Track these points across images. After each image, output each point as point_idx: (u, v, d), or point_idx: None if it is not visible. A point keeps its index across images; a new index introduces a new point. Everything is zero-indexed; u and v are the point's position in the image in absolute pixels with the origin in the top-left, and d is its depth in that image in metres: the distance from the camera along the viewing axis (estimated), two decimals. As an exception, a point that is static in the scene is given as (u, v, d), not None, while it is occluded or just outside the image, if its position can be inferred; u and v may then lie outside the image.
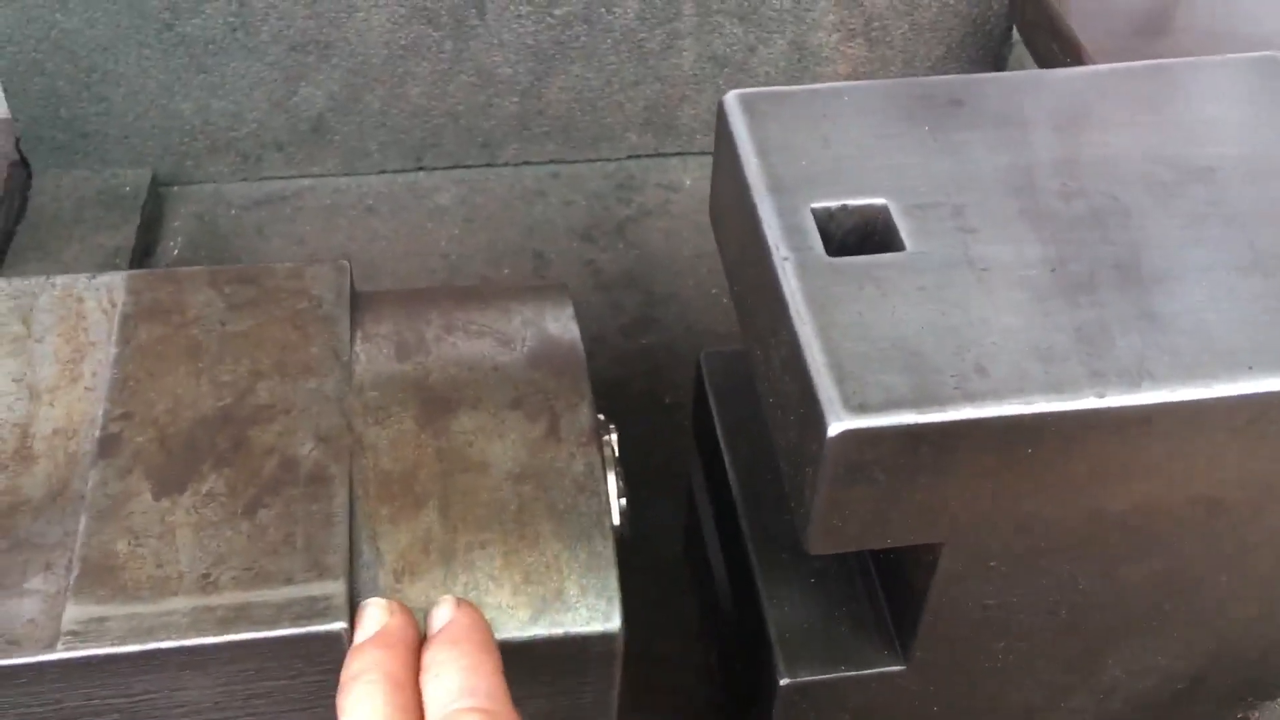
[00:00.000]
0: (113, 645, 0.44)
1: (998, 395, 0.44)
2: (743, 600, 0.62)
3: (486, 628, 0.45)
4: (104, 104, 0.95)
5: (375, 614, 0.45)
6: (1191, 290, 0.48)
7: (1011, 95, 0.57)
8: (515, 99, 1.00)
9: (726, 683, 0.69)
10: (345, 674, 0.43)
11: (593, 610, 0.48)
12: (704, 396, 0.67)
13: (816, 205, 0.51)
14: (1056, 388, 0.44)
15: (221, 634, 0.45)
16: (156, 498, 0.48)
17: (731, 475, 0.63)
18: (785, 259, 0.48)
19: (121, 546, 0.47)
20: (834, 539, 0.48)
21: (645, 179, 1.04)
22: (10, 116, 0.96)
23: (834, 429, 0.43)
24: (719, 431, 0.65)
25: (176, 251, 0.96)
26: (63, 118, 0.96)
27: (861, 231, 0.51)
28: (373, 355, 0.55)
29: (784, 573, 0.59)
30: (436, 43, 0.96)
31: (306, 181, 1.02)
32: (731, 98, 0.55)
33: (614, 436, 0.54)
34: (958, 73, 1.04)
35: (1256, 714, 0.65)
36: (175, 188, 1.01)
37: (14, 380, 0.53)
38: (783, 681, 0.56)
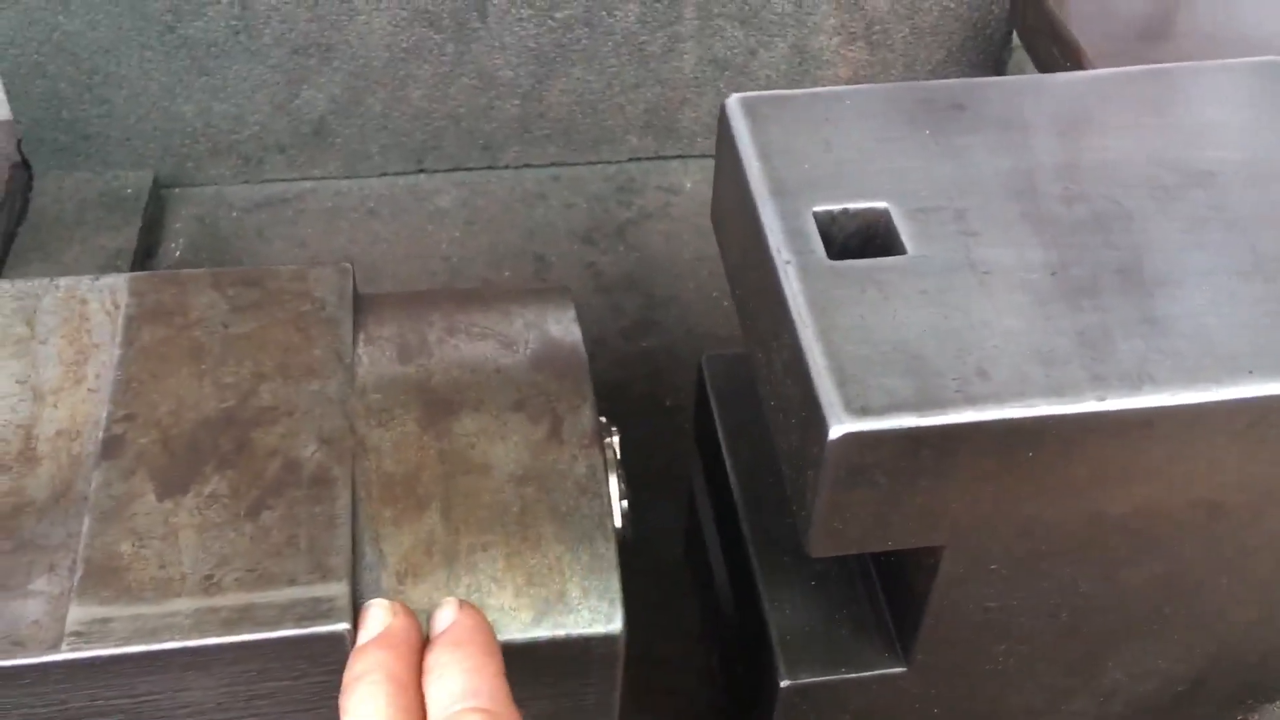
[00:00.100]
0: (117, 646, 0.44)
1: (999, 398, 0.44)
2: (744, 602, 0.62)
3: (489, 630, 0.45)
4: (106, 106, 0.95)
5: (378, 615, 0.45)
6: (1193, 294, 0.48)
7: (1013, 99, 0.57)
8: (516, 102, 1.00)
9: (727, 685, 0.69)
10: (348, 675, 0.43)
11: (595, 612, 0.48)
12: (705, 399, 0.67)
13: (818, 209, 0.51)
14: (1058, 391, 0.44)
15: (225, 635, 0.45)
16: (160, 499, 0.48)
17: (733, 478, 0.63)
18: (787, 262, 0.49)
19: (125, 548, 0.47)
20: (835, 541, 0.48)
21: (646, 182, 1.04)
22: (12, 118, 0.96)
23: (835, 432, 0.43)
24: (720, 434, 0.65)
25: (178, 253, 0.96)
26: (64, 119, 0.96)
27: (863, 235, 0.51)
28: (375, 357, 0.56)
29: (785, 575, 0.59)
30: (438, 45, 0.96)
31: (308, 184, 1.02)
32: (733, 101, 0.56)
33: (616, 439, 0.54)
34: (958, 77, 1.04)
35: (1256, 717, 0.65)
36: (177, 190, 1.01)
37: (18, 382, 0.53)
38: (783, 683, 0.56)
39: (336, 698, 0.43)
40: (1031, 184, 0.53)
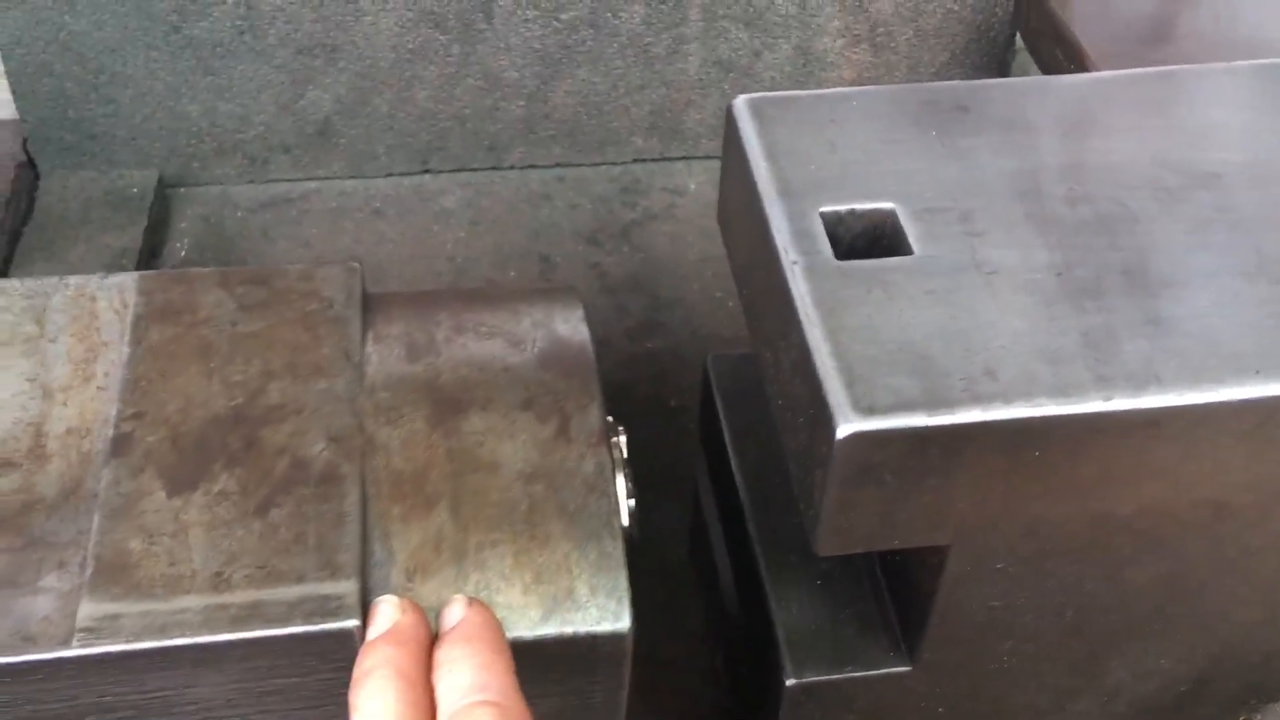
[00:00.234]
0: (127, 642, 0.44)
1: (1006, 398, 0.44)
2: (749, 602, 0.62)
3: (498, 627, 0.46)
4: (111, 105, 0.96)
5: (388, 612, 0.45)
6: (1198, 295, 0.48)
7: (1018, 101, 0.57)
8: (521, 103, 1.01)
9: (732, 685, 0.69)
10: (357, 670, 0.43)
11: (603, 610, 0.48)
12: (711, 400, 0.68)
13: (825, 209, 0.51)
14: (1064, 391, 0.45)
15: (234, 632, 0.45)
16: (169, 496, 0.49)
17: (738, 478, 0.63)
18: (794, 263, 0.49)
19: (135, 545, 0.47)
20: (842, 540, 0.48)
21: (651, 183, 1.04)
22: (18, 117, 0.96)
23: (843, 431, 0.44)
24: (726, 434, 0.65)
25: (183, 253, 0.96)
26: (70, 119, 0.96)
27: (870, 235, 0.52)
28: (384, 356, 0.56)
29: (790, 574, 0.59)
30: (444, 46, 0.97)
31: (313, 184, 1.03)
32: (740, 102, 0.56)
33: (623, 438, 0.55)
34: (962, 79, 1.04)
35: (1259, 717, 0.65)
36: (182, 189, 1.01)
37: (28, 380, 0.53)
38: (789, 682, 0.56)
39: (345, 694, 0.43)
40: (1036, 185, 0.53)
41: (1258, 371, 0.46)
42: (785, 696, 0.56)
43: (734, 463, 0.64)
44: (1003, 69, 1.05)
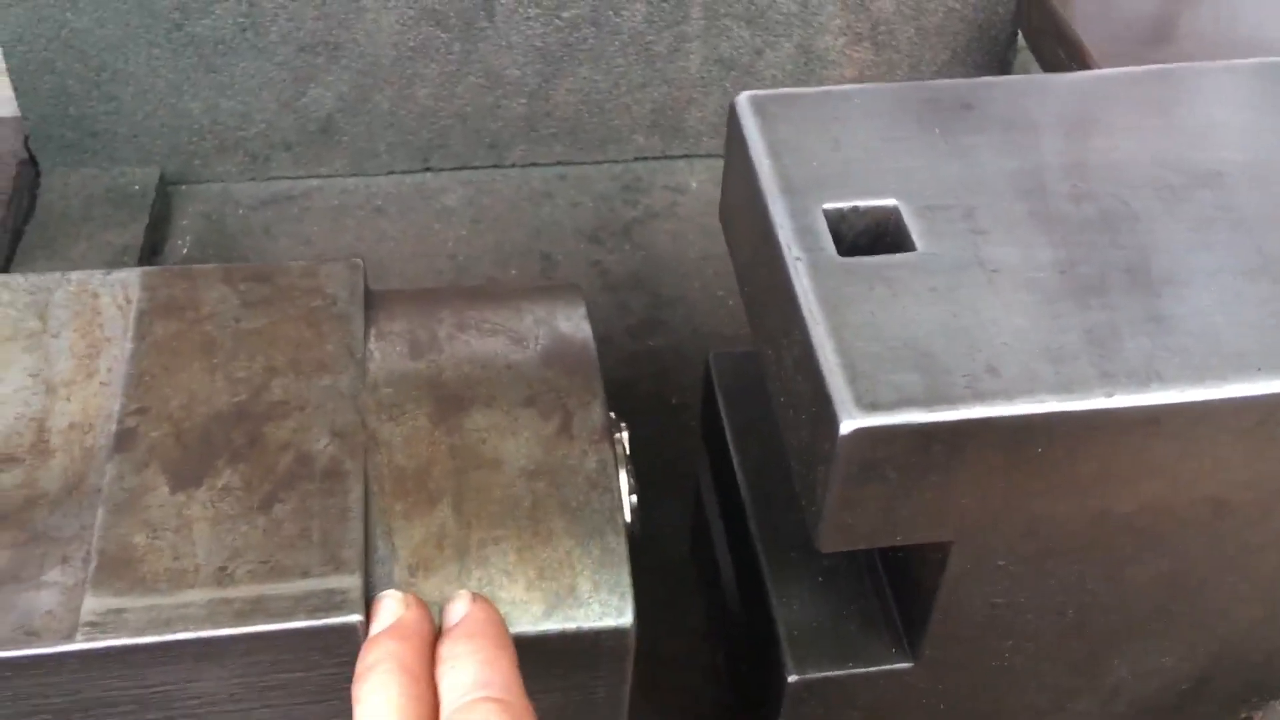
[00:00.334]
0: (131, 636, 0.44)
1: (1008, 395, 0.44)
2: (751, 599, 0.62)
3: (501, 623, 0.46)
4: (113, 103, 0.96)
5: (391, 606, 0.45)
6: (1200, 293, 0.48)
7: (1020, 99, 0.57)
8: (523, 100, 1.01)
9: (733, 683, 0.69)
10: (361, 664, 0.43)
11: (605, 605, 0.48)
12: (713, 397, 0.68)
13: (828, 206, 0.51)
14: (1066, 388, 0.45)
15: (238, 626, 0.45)
16: (173, 491, 0.49)
17: (740, 475, 0.63)
18: (797, 259, 0.49)
19: (139, 539, 0.47)
20: (845, 537, 0.48)
21: (652, 181, 1.05)
22: (20, 115, 0.96)
23: (846, 427, 0.44)
24: (728, 432, 0.65)
25: (184, 250, 0.96)
26: (72, 116, 0.96)
27: (873, 232, 0.52)
28: (386, 353, 0.56)
29: (792, 571, 0.59)
30: (445, 44, 0.97)
31: (314, 182, 1.03)
32: (743, 99, 0.56)
33: (625, 434, 0.55)
34: (963, 77, 1.04)
35: (1260, 714, 0.65)
36: (183, 187, 1.01)
37: (30, 375, 0.53)
38: (791, 678, 0.56)
39: (348, 689, 0.43)
40: (1039, 183, 0.53)
41: (1259, 369, 0.46)
42: (787, 693, 0.56)
43: (735, 460, 0.64)
44: (1004, 67, 1.05)
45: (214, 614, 0.45)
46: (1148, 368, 0.45)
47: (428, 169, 1.04)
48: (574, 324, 0.58)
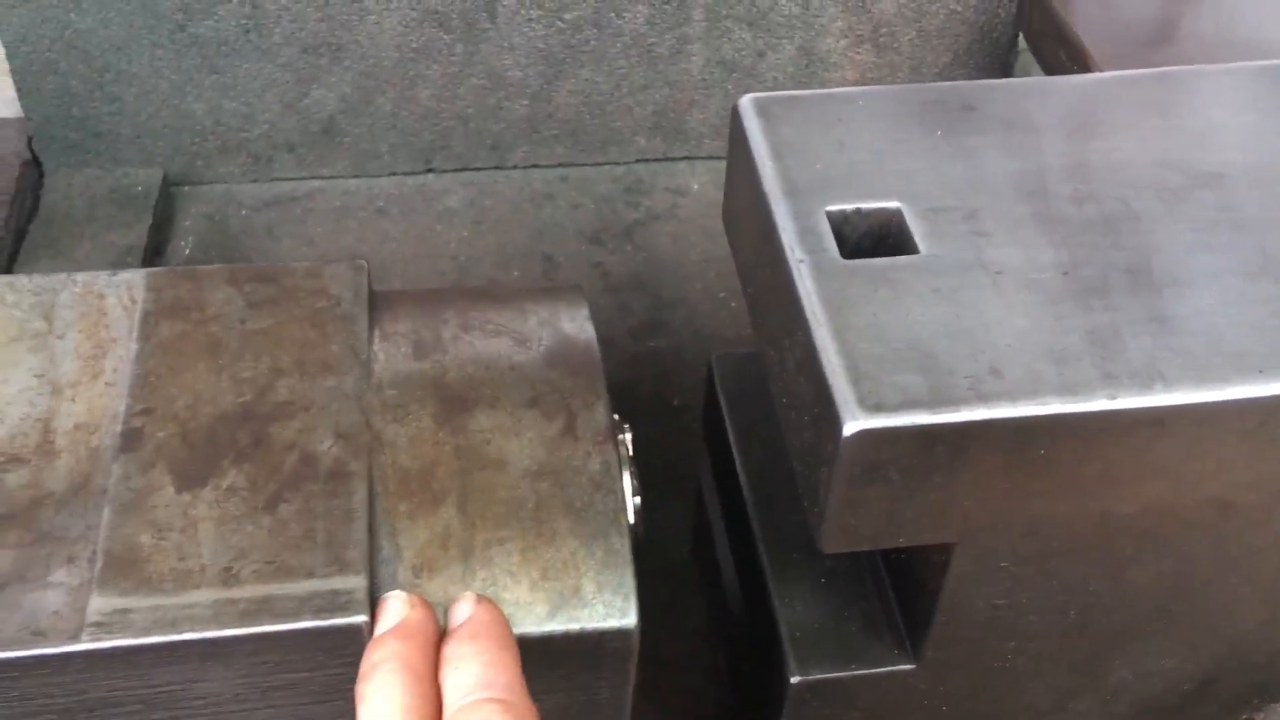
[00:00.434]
0: (137, 637, 0.44)
1: (1011, 396, 0.45)
2: (753, 600, 0.62)
3: (506, 624, 0.46)
4: (116, 104, 0.96)
5: (396, 607, 0.46)
6: (1202, 294, 0.49)
7: (1022, 101, 0.58)
8: (525, 102, 1.01)
9: (734, 683, 0.69)
10: (365, 663, 0.44)
11: (609, 606, 0.49)
12: (715, 399, 0.68)
13: (831, 208, 0.51)
14: (1069, 390, 0.45)
15: (244, 626, 0.45)
16: (178, 492, 0.49)
17: (742, 476, 0.63)
18: (801, 261, 0.49)
19: (144, 539, 0.47)
20: (848, 538, 0.48)
21: (653, 183, 1.05)
22: (23, 115, 0.96)
23: (849, 429, 0.44)
24: (730, 433, 0.65)
25: (187, 251, 0.96)
26: (75, 117, 0.96)
27: (876, 234, 0.52)
28: (391, 354, 0.56)
29: (795, 572, 0.59)
30: (447, 46, 0.97)
31: (317, 183, 1.03)
32: (746, 101, 0.56)
33: (629, 435, 0.55)
34: (965, 79, 1.05)
35: (1262, 716, 0.65)
36: (186, 188, 1.01)
37: (36, 376, 0.53)
38: (794, 680, 0.56)
39: (352, 689, 0.43)
40: (1042, 185, 0.53)
41: (1261, 371, 0.46)
42: (789, 694, 0.56)
43: (738, 461, 0.64)
44: (1005, 70, 1.06)
45: (219, 614, 0.45)
46: (1150, 369, 0.46)
47: (430, 170, 1.04)
48: (577, 325, 0.58)
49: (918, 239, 0.50)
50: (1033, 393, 0.45)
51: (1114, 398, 0.45)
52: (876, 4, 0.99)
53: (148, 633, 0.45)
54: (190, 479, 0.49)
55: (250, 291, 0.57)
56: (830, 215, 0.51)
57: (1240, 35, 0.90)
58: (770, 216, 0.51)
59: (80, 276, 0.57)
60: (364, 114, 1.00)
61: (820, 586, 0.59)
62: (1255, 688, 0.63)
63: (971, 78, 1.05)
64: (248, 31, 0.94)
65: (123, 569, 0.46)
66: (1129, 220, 0.52)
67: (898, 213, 0.51)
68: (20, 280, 0.57)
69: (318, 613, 0.46)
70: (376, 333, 0.57)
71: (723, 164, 0.57)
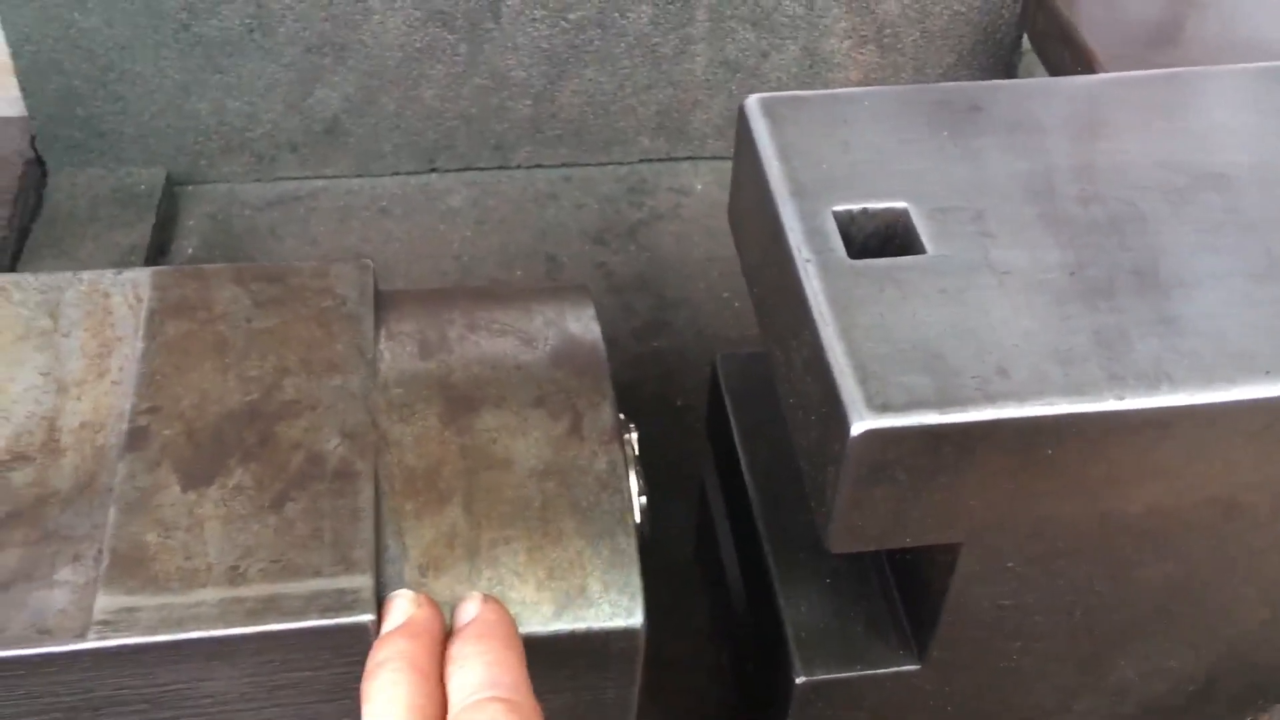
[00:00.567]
0: (143, 635, 0.44)
1: (1018, 397, 0.45)
2: (757, 600, 0.62)
3: (512, 624, 0.46)
4: (120, 103, 0.96)
5: (403, 605, 0.46)
6: (1208, 295, 0.49)
7: (1028, 102, 0.58)
8: (528, 102, 1.01)
9: (737, 683, 0.69)
10: (371, 661, 0.44)
11: (615, 606, 0.49)
12: (719, 399, 0.68)
13: (838, 208, 0.51)
14: (1076, 390, 0.45)
15: (250, 625, 0.45)
16: (185, 490, 0.49)
17: (747, 476, 0.63)
18: (808, 261, 0.49)
19: (151, 538, 0.47)
20: (855, 538, 0.48)
21: (657, 183, 1.05)
22: (27, 115, 0.96)
23: (857, 429, 0.44)
24: (735, 433, 0.65)
25: (190, 251, 0.96)
26: (79, 116, 0.96)
27: (882, 235, 0.52)
28: (397, 353, 0.56)
29: (800, 572, 0.59)
30: (451, 46, 0.97)
31: (320, 182, 1.03)
32: (752, 102, 0.56)
33: (634, 435, 0.55)
34: (968, 80, 1.05)
35: (1266, 716, 0.65)
36: (190, 187, 1.01)
37: (41, 374, 0.53)
38: (799, 680, 0.56)
39: (358, 688, 0.43)
40: (1048, 185, 0.53)
41: (1267, 372, 0.46)
42: (795, 695, 0.56)
43: (743, 461, 0.64)
44: (1009, 70, 1.06)
45: (226, 613, 0.45)
46: (1157, 370, 0.46)
47: (433, 170, 1.04)
48: (583, 325, 0.58)
49: (924, 239, 0.50)
50: (1039, 393, 0.45)
51: (1121, 398, 0.45)
52: (880, 5, 0.99)
53: (154, 631, 0.45)
54: (196, 478, 0.49)
55: (256, 291, 0.57)
56: (837, 215, 0.51)
57: (1245, 36, 0.90)
58: (777, 217, 0.51)
59: (86, 275, 0.57)
60: (367, 114, 1.00)
61: (825, 586, 0.59)
62: (1259, 688, 0.63)
63: (975, 78, 1.05)
64: (252, 31, 0.94)
65: (129, 567, 0.46)
66: (1135, 221, 0.52)
67: (904, 213, 0.51)
68: (26, 279, 0.57)
69: (324, 611, 0.46)
70: (382, 332, 0.57)
71: (726, 164, 0.58)
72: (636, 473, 0.53)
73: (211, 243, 0.97)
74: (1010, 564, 0.51)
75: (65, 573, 0.47)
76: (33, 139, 0.97)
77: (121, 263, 0.90)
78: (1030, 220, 0.51)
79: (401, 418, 0.53)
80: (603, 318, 0.59)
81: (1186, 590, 0.55)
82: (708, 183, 1.05)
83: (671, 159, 1.06)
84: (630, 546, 0.50)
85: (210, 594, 0.46)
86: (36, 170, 0.97)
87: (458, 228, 1.00)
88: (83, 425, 0.52)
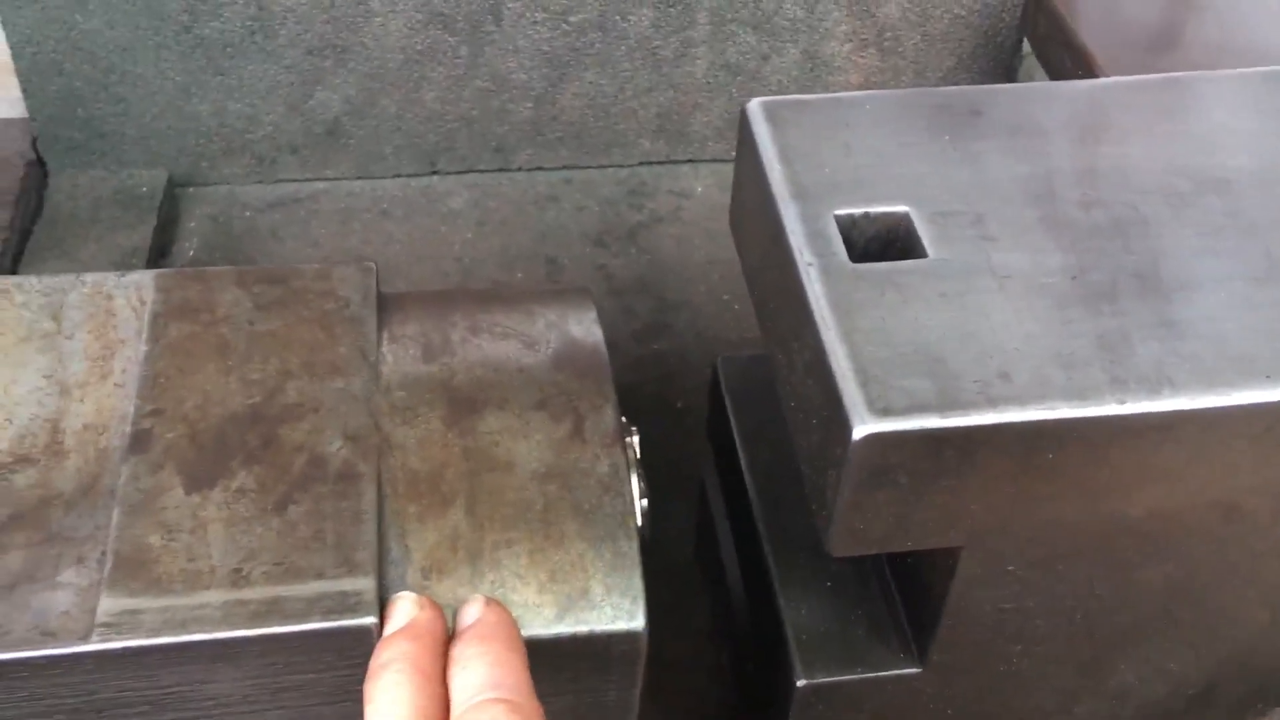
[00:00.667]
0: (147, 637, 0.44)
1: (1020, 401, 0.45)
2: (758, 602, 0.62)
3: (514, 626, 0.46)
4: (121, 105, 0.96)
5: (405, 608, 0.46)
6: (1210, 299, 0.49)
7: (1030, 106, 0.58)
8: (529, 105, 1.01)
9: (738, 682, 0.70)
10: (374, 663, 0.44)
11: (617, 609, 0.49)
12: (720, 401, 0.68)
13: (839, 212, 0.51)
14: (1079, 394, 0.45)
15: (253, 628, 0.45)
16: (188, 493, 0.49)
17: (748, 479, 0.64)
18: (809, 265, 0.49)
19: (154, 540, 0.47)
20: (856, 541, 0.48)
21: (657, 185, 1.05)
22: (28, 116, 0.96)
23: (859, 432, 0.44)
24: (735, 435, 0.66)
25: (191, 253, 0.96)
26: (80, 118, 0.96)
27: (884, 239, 0.52)
28: (399, 356, 0.56)
29: (800, 575, 0.59)
30: (452, 48, 0.97)
31: (321, 184, 1.03)
32: (754, 105, 0.56)
33: (636, 438, 0.55)
34: (969, 84, 1.05)
35: (1266, 720, 0.65)
36: (191, 189, 1.01)
37: (45, 376, 0.53)
38: (800, 682, 0.56)
39: (360, 690, 0.43)
40: (1049, 189, 0.53)
41: (1268, 376, 0.46)
42: (796, 697, 0.56)
43: (744, 464, 0.64)
44: (1009, 74, 1.06)
45: (229, 615, 0.45)
46: (1159, 374, 0.46)
47: (434, 172, 1.04)
48: (585, 328, 0.58)
49: (926, 243, 0.50)
50: (1041, 397, 0.45)
51: (1123, 402, 0.45)
52: (881, 8, 1.00)
53: (157, 633, 0.45)
54: (199, 480, 0.49)
55: (259, 293, 0.57)
56: (838, 219, 0.51)
57: (1245, 40, 0.90)
58: (779, 220, 0.51)
59: (89, 277, 0.57)
60: (368, 116, 1.00)
61: (826, 589, 0.59)
62: (1259, 692, 0.63)
63: (975, 82, 1.05)
64: (253, 33, 0.94)
65: (132, 570, 0.46)
66: (1136, 225, 0.52)
67: (906, 217, 0.52)
68: (29, 281, 0.57)
69: (327, 614, 0.46)
70: (385, 335, 0.57)
71: (726, 167, 0.58)
72: (638, 475, 0.53)
73: (212, 244, 0.97)
74: (1011, 567, 0.51)
75: (68, 575, 0.47)
76: (34, 140, 0.97)
77: (122, 264, 0.91)
78: (1031, 224, 0.51)
79: (404, 420, 0.54)
80: (603, 320, 0.59)
81: (1187, 594, 0.55)
82: (708, 185, 1.05)
83: (672, 162, 1.06)
84: (632, 549, 0.50)
85: (213, 596, 0.46)
86: (38, 172, 0.97)
87: (458, 230, 1.00)
88: (86, 427, 0.52)
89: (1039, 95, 0.59)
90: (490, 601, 0.47)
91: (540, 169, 1.05)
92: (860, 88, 1.04)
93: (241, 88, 0.96)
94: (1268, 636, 0.59)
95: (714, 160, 1.06)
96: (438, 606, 0.46)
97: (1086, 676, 0.59)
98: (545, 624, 0.48)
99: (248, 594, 0.46)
